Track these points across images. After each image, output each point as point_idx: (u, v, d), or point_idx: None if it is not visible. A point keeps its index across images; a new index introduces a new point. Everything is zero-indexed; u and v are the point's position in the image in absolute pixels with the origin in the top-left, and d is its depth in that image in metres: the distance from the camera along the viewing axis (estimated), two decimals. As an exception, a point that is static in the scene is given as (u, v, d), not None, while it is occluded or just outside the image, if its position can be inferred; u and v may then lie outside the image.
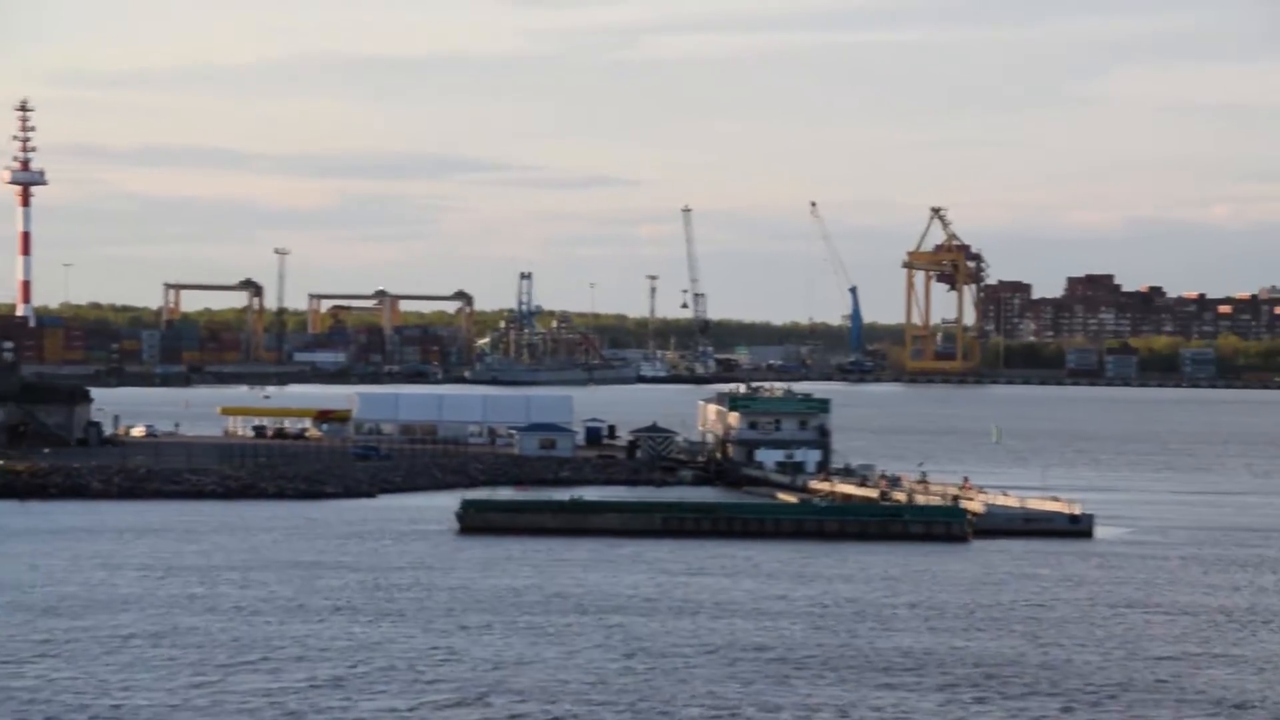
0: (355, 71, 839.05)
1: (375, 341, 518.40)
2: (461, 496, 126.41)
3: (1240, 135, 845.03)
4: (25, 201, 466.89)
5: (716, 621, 79.00)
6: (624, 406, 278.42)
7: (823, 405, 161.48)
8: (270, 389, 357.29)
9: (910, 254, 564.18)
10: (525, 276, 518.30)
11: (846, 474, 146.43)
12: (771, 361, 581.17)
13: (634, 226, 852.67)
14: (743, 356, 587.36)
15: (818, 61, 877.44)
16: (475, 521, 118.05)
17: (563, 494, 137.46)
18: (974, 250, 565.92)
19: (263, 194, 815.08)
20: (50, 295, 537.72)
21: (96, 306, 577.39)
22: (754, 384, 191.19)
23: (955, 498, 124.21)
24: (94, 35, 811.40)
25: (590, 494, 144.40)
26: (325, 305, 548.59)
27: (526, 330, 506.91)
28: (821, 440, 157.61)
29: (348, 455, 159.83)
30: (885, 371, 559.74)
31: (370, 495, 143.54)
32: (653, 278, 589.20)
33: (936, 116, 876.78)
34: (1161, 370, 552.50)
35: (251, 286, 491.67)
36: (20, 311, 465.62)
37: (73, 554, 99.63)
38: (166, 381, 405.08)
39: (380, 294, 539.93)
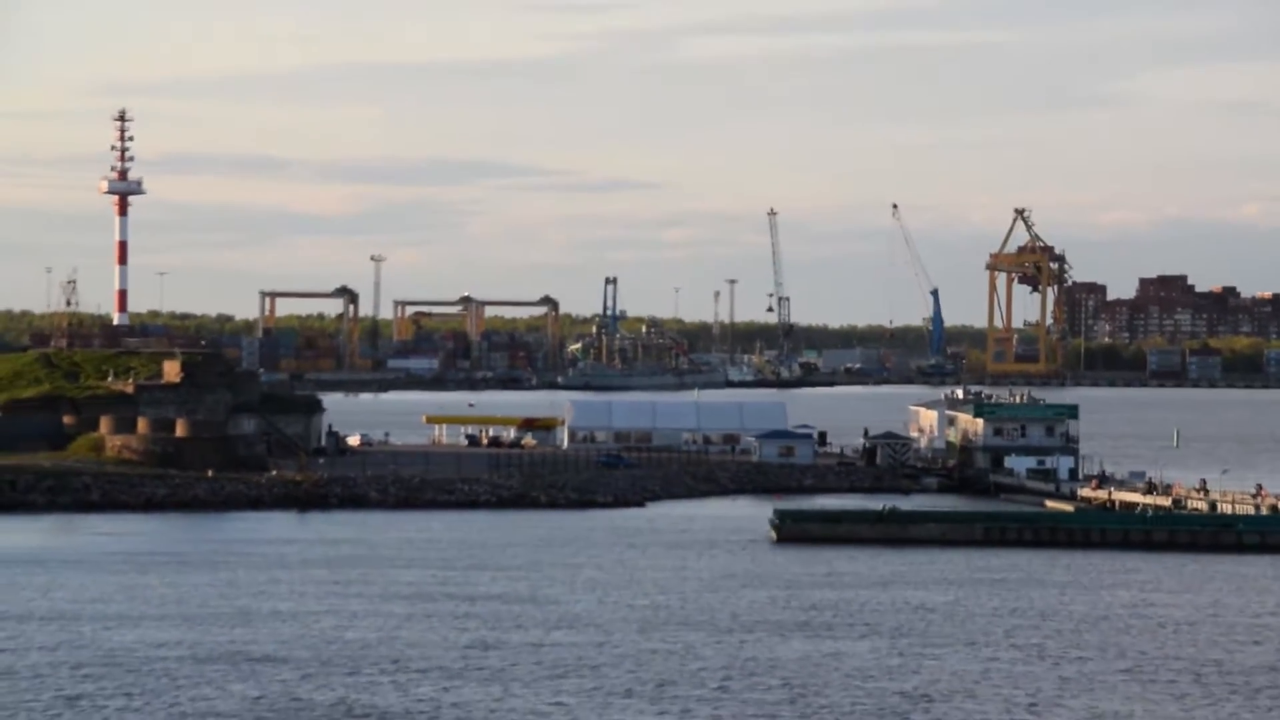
0: (386, 78, 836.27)
1: (462, 347, 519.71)
2: (775, 507, 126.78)
3: (1267, 133, 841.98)
4: (123, 211, 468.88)
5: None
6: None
7: (1071, 411, 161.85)
8: (457, 396, 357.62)
9: (994, 255, 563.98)
10: (610, 281, 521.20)
11: (1111, 481, 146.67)
12: (849, 365, 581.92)
13: (662, 230, 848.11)
14: (816, 360, 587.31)
15: (856, 64, 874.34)
16: (792, 532, 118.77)
17: (806, 502, 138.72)
18: (1057, 251, 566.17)
19: (294, 200, 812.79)
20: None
21: (154, 314, 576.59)
22: (975, 389, 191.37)
23: (1274, 507, 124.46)
24: (123, 46, 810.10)
25: (831, 501, 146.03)
26: (408, 312, 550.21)
27: (617, 335, 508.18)
28: (1069, 446, 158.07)
29: (595, 464, 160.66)
30: (966, 374, 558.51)
31: (640, 504, 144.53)
32: (732, 281, 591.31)
33: (963, 118, 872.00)
34: (1245, 371, 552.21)
35: (347, 294, 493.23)
36: (116, 320, 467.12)
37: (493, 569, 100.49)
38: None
39: (465, 300, 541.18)
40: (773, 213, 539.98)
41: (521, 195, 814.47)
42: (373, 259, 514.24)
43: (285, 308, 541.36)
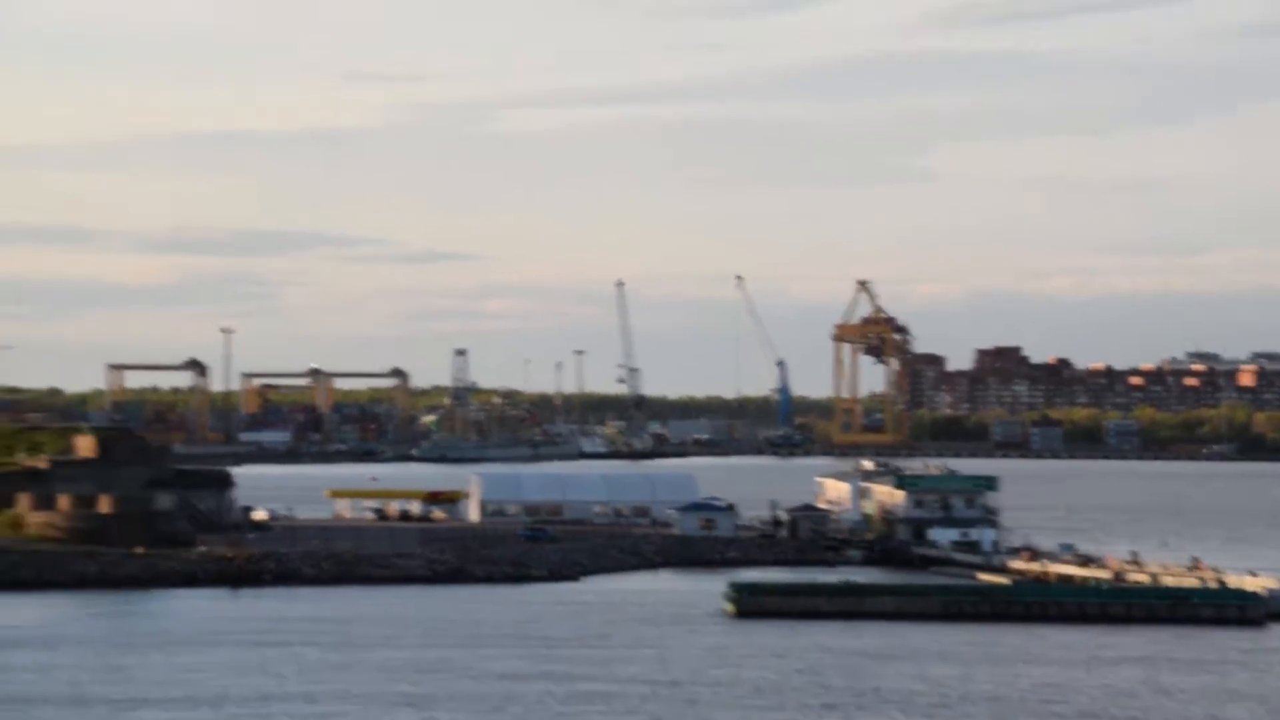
0: (202, 148, 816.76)
1: (312, 420, 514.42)
2: (730, 580, 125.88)
3: (1071, 207, 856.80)
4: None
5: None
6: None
7: (989, 483, 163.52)
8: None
9: (839, 326, 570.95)
10: (460, 353, 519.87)
11: (1043, 554, 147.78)
12: (698, 436, 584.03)
13: (484, 300, 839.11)
14: (663, 430, 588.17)
15: (667, 134, 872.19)
16: (751, 605, 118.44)
17: (734, 576, 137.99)
18: (899, 323, 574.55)
19: (108, 271, 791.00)
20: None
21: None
22: (882, 461, 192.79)
23: (1220, 580, 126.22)
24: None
25: (754, 575, 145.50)
26: (255, 384, 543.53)
27: (472, 407, 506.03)
28: (990, 518, 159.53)
29: (518, 537, 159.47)
30: (815, 445, 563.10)
31: (574, 578, 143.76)
32: (579, 352, 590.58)
33: (783, 191, 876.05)
34: (1085, 441, 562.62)
35: (196, 366, 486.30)
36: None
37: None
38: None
39: (314, 372, 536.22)
40: (620, 284, 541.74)
41: (341, 266, 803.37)
42: (223, 331, 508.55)
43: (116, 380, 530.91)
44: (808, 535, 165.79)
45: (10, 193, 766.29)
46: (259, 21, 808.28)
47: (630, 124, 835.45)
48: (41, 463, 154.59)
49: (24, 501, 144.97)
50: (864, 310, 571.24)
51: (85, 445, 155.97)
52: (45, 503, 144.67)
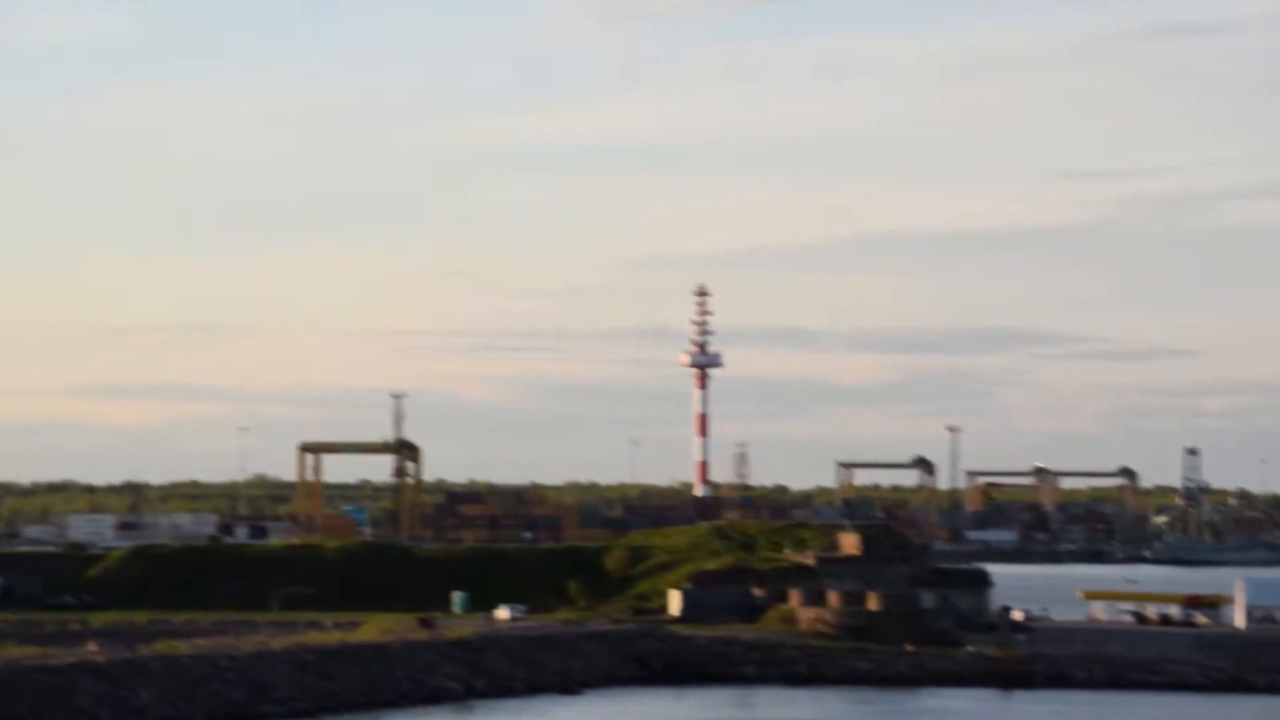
0: (904, 247, 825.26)
1: (1038, 519, 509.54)
2: None
3: None
4: (702, 384, 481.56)
5: None
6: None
7: None
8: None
9: None
10: (1192, 452, 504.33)
11: None
12: None
13: (1204, 398, 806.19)
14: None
15: None
16: None
17: None
18: None
19: (830, 370, 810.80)
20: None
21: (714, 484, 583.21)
22: None
23: None
24: (656, 224, 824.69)
25: None
26: (978, 482, 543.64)
27: (1206, 508, 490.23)
28: None
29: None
30: None
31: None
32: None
33: None
34: None
35: (924, 464, 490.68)
36: (699, 492, 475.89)
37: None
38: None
39: (1040, 471, 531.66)
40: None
41: (1057, 364, 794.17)
42: (949, 429, 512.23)
43: (845, 476, 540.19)
44: None
45: (734, 297, 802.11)
46: (970, 120, 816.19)
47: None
48: (809, 559, 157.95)
49: (795, 596, 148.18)
50: None
51: (849, 542, 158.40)
52: (815, 598, 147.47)
